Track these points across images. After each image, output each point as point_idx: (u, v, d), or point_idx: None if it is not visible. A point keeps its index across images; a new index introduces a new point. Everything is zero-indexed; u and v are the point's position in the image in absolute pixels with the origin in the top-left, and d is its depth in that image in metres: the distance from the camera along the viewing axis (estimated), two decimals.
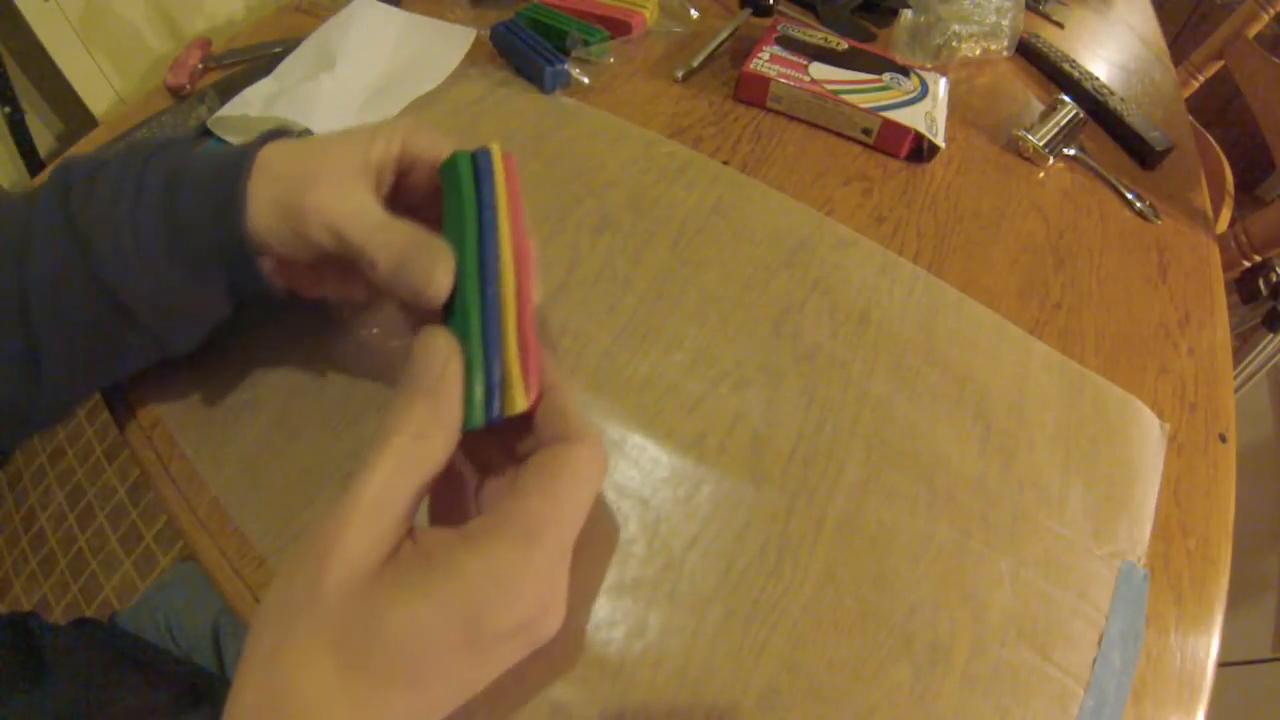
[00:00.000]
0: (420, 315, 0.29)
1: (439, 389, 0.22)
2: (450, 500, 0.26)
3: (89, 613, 1.09)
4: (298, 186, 0.26)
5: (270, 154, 0.27)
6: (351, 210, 0.26)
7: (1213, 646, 0.33)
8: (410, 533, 0.22)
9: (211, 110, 0.49)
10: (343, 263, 0.29)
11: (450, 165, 0.26)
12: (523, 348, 0.24)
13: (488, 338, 0.23)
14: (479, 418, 0.23)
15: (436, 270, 0.24)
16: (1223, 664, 0.33)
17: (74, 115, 0.83)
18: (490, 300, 0.24)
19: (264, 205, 0.27)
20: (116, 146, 0.48)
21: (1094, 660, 0.31)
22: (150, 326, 0.28)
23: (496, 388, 0.23)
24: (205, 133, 0.49)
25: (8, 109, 0.79)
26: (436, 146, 0.28)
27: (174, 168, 0.28)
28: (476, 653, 0.20)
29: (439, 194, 0.28)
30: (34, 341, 0.27)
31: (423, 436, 0.22)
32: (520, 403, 0.23)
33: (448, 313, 0.25)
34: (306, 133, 0.47)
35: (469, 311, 0.24)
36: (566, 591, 0.23)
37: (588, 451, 0.23)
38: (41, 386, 0.28)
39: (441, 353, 0.23)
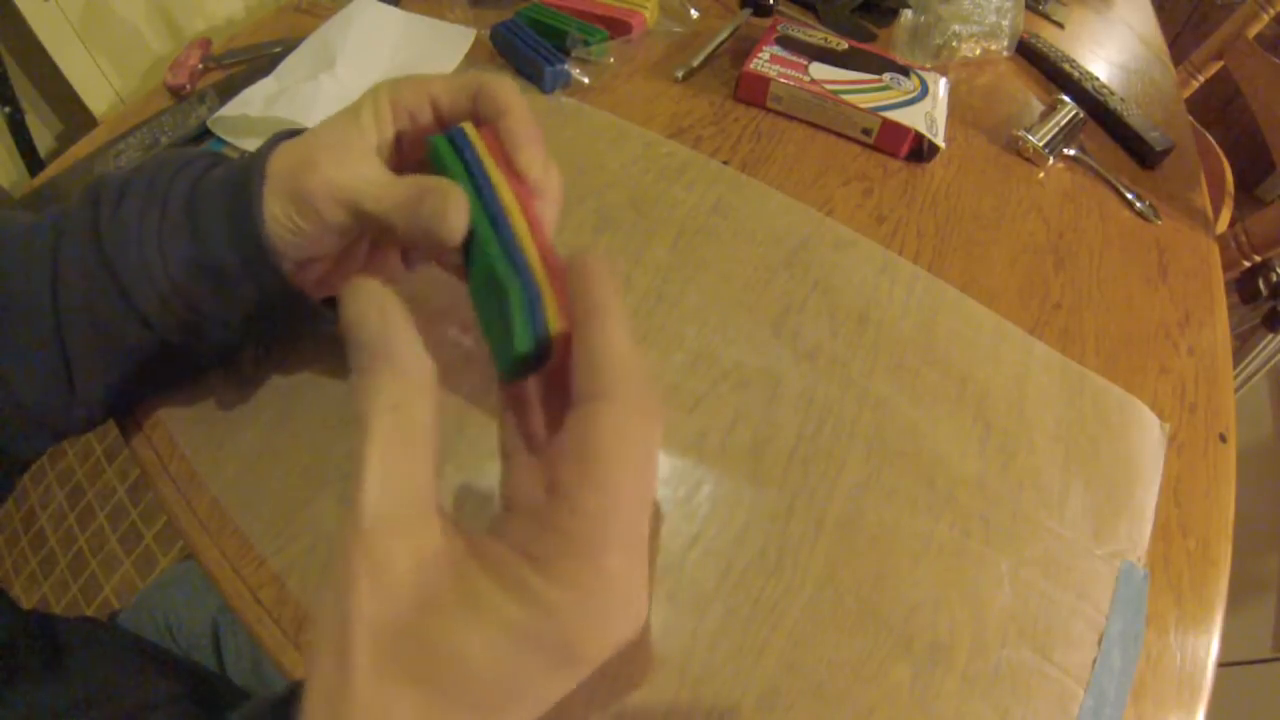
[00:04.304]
0: (456, 270, 0.29)
1: (384, 341, 0.19)
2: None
3: (89, 613, 1.09)
4: (299, 175, 0.26)
5: (275, 158, 0.27)
6: (356, 178, 0.26)
7: (1213, 646, 0.33)
8: (450, 522, 0.19)
9: (211, 110, 0.49)
10: (367, 253, 0.29)
11: (433, 150, 0.26)
12: (546, 263, 0.22)
13: (510, 255, 0.22)
14: (526, 340, 0.21)
15: (449, 205, 0.23)
16: (1223, 664, 0.33)
17: (74, 115, 0.83)
18: (501, 222, 0.23)
19: (275, 208, 0.26)
20: (122, 148, 0.48)
21: (1094, 660, 0.31)
22: (181, 347, 0.29)
23: (536, 301, 0.21)
24: (205, 133, 0.49)
25: (8, 109, 0.79)
26: (422, 91, 0.28)
27: (192, 188, 0.28)
28: (569, 675, 0.18)
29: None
30: (68, 355, 0.27)
31: (399, 406, 0.19)
32: (553, 319, 0.21)
33: (468, 258, 0.25)
34: None
35: (487, 238, 0.23)
36: (648, 578, 0.20)
37: (621, 410, 0.18)
38: (75, 397, 0.28)
39: (370, 296, 0.19)
